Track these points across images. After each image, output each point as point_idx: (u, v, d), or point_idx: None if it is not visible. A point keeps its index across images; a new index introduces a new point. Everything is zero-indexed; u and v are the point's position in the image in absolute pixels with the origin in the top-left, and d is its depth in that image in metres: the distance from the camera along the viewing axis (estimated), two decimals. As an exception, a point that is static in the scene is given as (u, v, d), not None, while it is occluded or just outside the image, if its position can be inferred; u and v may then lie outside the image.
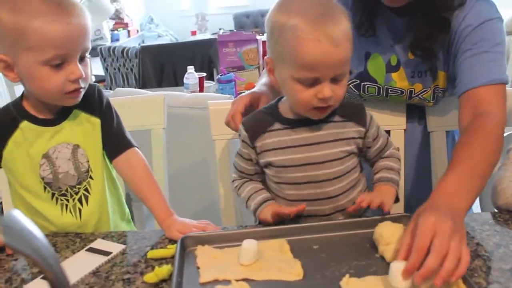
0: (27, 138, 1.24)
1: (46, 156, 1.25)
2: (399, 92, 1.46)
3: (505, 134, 1.55)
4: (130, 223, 1.47)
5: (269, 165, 1.22)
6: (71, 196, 1.29)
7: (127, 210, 1.46)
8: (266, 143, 1.21)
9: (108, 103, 1.32)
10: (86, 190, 1.30)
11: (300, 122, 1.19)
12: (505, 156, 1.39)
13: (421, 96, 1.45)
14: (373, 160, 1.28)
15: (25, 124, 1.24)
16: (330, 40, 1.03)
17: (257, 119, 1.23)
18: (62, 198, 1.28)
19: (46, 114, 1.25)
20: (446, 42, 1.36)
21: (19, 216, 0.51)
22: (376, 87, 1.47)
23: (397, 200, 1.23)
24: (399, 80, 1.44)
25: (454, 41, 1.34)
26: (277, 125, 1.21)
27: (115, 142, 1.31)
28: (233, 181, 1.32)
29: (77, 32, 1.14)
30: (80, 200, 1.29)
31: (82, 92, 1.22)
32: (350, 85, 1.48)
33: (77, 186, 1.29)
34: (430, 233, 0.89)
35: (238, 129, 1.29)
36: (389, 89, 1.46)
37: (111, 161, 1.33)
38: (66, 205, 1.29)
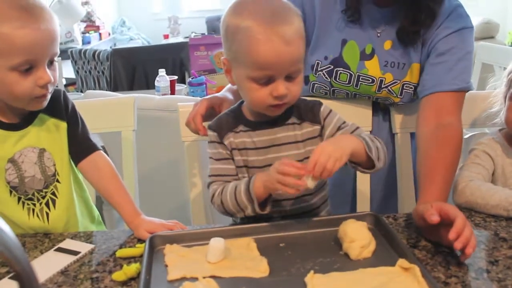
0: None
1: (11, 160, 1.25)
2: (370, 80, 1.50)
3: (466, 136, 1.62)
4: (101, 224, 1.48)
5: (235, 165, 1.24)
6: (38, 200, 1.29)
7: (96, 212, 1.47)
8: (232, 142, 1.23)
9: (73, 108, 1.33)
10: (53, 194, 1.30)
11: (261, 124, 1.22)
12: (466, 156, 1.44)
13: (390, 88, 1.49)
14: None
15: None
16: (282, 39, 1.07)
17: (223, 121, 1.26)
18: (29, 202, 1.28)
19: (11, 119, 1.25)
20: (428, 32, 1.43)
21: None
22: (348, 74, 1.51)
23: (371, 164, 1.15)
24: (372, 68, 1.49)
25: (432, 37, 1.42)
26: (241, 127, 1.24)
27: (80, 145, 1.32)
28: (212, 195, 1.21)
29: (46, 37, 1.14)
30: (47, 204, 1.29)
31: (49, 96, 1.22)
32: (323, 71, 1.52)
33: (44, 190, 1.29)
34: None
35: (198, 130, 1.32)
36: (361, 77, 1.50)
37: (76, 165, 1.33)
38: (33, 209, 1.28)
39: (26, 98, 1.17)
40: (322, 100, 1.29)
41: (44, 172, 1.28)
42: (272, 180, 1.08)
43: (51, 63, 1.19)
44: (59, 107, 1.29)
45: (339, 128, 1.21)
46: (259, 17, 1.08)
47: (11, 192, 1.26)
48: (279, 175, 1.06)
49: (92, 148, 1.33)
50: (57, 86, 1.27)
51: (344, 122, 1.23)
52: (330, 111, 1.24)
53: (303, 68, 1.17)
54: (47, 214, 1.29)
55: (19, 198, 1.27)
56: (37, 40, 1.12)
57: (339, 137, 1.18)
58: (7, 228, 0.54)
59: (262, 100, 1.14)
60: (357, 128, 1.22)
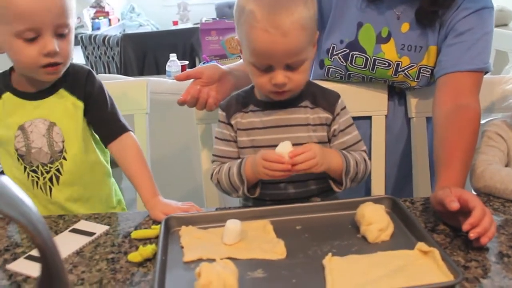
0: (6, 109, 1.26)
1: (21, 127, 1.26)
2: (386, 64, 1.47)
3: (483, 121, 1.59)
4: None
5: (241, 146, 1.24)
6: (42, 174, 1.29)
7: (117, 199, 1.46)
8: (239, 122, 1.24)
9: (101, 87, 1.32)
10: (58, 170, 1.30)
11: (272, 104, 1.22)
12: (480, 139, 1.42)
13: (407, 72, 1.47)
14: None
15: (7, 96, 1.26)
16: (279, 31, 1.06)
17: (233, 101, 1.27)
18: (33, 174, 1.29)
19: (29, 89, 1.26)
20: (446, 13, 1.40)
21: (8, 182, 0.51)
22: (364, 58, 1.48)
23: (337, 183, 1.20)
24: (388, 51, 1.46)
25: (450, 18, 1.39)
26: (251, 107, 1.24)
27: (109, 126, 1.32)
28: (211, 174, 1.26)
29: (49, 6, 1.14)
30: (51, 180, 1.30)
31: (61, 68, 1.22)
32: (339, 55, 1.49)
33: (49, 165, 1.29)
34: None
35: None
36: (377, 60, 1.47)
37: (106, 146, 1.33)
38: (37, 182, 1.30)
39: (33, 67, 1.18)
40: (337, 85, 1.29)
41: (51, 146, 1.27)
42: (258, 167, 1.11)
43: (60, 35, 1.18)
44: (80, 86, 1.29)
45: (344, 129, 1.23)
46: (262, 3, 1.08)
47: (18, 159, 1.28)
48: (265, 162, 1.10)
49: (121, 129, 1.32)
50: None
51: (352, 124, 1.24)
52: (344, 107, 1.25)
53: (314, 53, 1.18)
54: (50, 188, 1.30)
55: (25, 168, 1.28)
56: (39, 8, 1.12)
57: (329, 150, 1.19)
58: (29, 202, 0.53)
59: (262, 86, 1.16)
60: (359, 141, 1.24)
